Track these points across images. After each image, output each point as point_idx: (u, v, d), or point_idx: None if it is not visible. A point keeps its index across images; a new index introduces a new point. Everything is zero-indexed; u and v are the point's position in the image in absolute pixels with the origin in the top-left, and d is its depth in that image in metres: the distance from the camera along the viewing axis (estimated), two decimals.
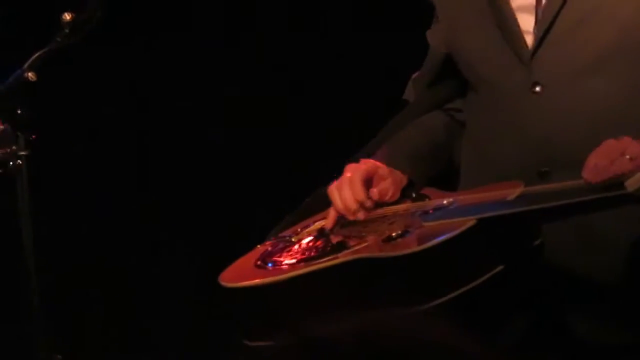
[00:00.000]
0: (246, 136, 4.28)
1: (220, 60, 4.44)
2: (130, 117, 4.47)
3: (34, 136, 2.51)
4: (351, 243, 2.61)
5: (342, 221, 2.67)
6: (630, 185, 2.42)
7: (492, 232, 2.56)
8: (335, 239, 2.67)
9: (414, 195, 2.76)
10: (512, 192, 2.54)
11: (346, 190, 2.65)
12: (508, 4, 2.69)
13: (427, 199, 2.75)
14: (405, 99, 3.03)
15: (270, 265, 2.71)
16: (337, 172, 2.76)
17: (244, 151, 4.08)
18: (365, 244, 2.59)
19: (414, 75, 3.03)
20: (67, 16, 2.65)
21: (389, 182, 2.71)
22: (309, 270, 2.59)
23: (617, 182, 2.45)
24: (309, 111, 4.22)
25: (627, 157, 2.46)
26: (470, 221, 2.50)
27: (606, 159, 2.47)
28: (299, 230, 2.79)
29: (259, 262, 2.71)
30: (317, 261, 2.59)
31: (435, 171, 2.92)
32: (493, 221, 2.53)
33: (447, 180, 2.90)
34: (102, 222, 4.28)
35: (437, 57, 2.98)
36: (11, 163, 2.49)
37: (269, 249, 2.76)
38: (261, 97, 4.50)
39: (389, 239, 2.57)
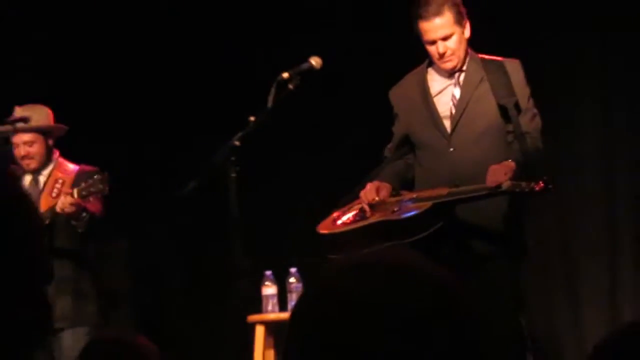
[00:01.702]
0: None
1: None
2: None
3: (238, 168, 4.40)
4: (375, 214, 4.66)
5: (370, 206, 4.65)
6: (504, 186, 4.34)
7: (437, 208, 4.53)
8: (367, 213, 4.67)
9: (395, 194, 4.69)
10: (444, 191, 4.55)
11: (368, 194, 4.67)
12: (439, 115, 4.69)
13: (402, 195, 4.69)
14: (385, 155, 4.92)
15: (338, 223, 4.73)
16: (361, 186, 4.70)
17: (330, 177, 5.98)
18: (382, 214, 4.63)
19: (387, 147, 4.93)
20: (252, 117, 4.49)
21: (386, 189, 4.71)
22: (356, 226, 4.65)
23: (499, 185, 4.35)
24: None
25: (504, 172, 4.36)
26: (429, 204, 4.51)
27: (496, 175, 4.38)
28: (349, 207, 4.76)
29: (333, 222, 4.72)
30: (361, 222, 4.66)
31: (402, 184, 4.78)
32: (439, 203, 4.53)
33: (406, 188, 4.81)
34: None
35: (398, 137, 4.89)
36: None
37: (337, 215, 4.75)
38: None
39: (393, 212, 4.60)
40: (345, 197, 4.89)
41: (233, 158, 4.51)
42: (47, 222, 5.29)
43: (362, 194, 4.74)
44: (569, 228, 6.48)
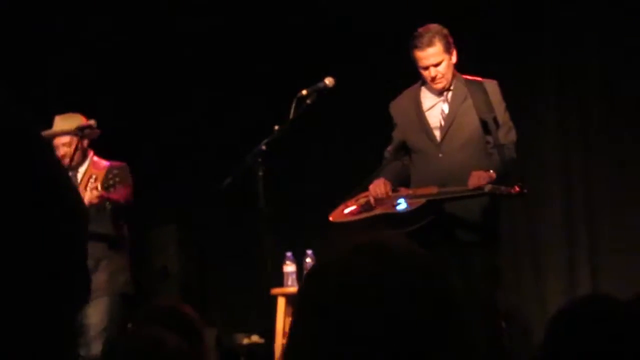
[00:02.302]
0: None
1: None
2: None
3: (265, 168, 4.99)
4: (377, 207, 5.21)
5: (375, 199, 5.18)
6: (487, 189, 4.81)
7: (431, 203, 5.05)
8: (372, 205, 5.20)
9: (395, 190, 5.19)
10: (434, 189, 5.06)
11: (377, 189, 5.14)
12: (430, 126, 5.15)
13: (400, 191, 5.19)
14: (385, 156, 5.38)
15: (345, 212, 5.27)
16: (367, 180, 5.18)
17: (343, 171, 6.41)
18: (384, 207, 5.18)
19: (387, 149, 5.35)
20: (276, 127, 4.98)
21: (389, 186, 5.19)
22: (363, 217, 5.21)
23: (481, 188, 4.80)
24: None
25: (484, 178, 4.80)
26: (423, 200, 5.03)
27: (477, 179, 4.83)
28: (357, 199, 5.27)
29: (342, 211, 5.26)
30: (365, 213, 5.22)
31: (400, 181, 5.22)
32: (431, 200, 5.04)
33: (402, 184, 5.27)
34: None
35: (397, 142, 5.33)
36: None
37: (345, 205, 5.28)
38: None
39: (393, 205, 5.17)
40: (353, 190, 5.36)
41: (260, 160, 5.02)
42: None
43: (371, 187, 5.23)
44: (536, 225, 7.00)
